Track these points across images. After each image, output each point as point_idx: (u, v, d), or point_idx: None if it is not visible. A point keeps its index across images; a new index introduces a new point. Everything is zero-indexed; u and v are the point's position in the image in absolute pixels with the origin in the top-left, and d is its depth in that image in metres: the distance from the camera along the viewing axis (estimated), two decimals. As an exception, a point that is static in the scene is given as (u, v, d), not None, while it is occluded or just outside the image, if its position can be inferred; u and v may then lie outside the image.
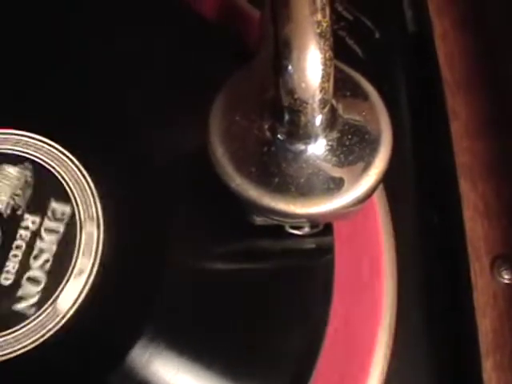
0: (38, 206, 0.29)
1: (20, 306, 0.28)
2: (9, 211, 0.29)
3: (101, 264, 0.28)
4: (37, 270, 0.28)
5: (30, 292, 0.28)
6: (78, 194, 0.30)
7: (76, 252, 0.29)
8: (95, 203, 0.29)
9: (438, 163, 0.36)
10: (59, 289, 0.28)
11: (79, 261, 0.29)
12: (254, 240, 0.29)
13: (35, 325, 0.28)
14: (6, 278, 0.28)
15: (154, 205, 0.30)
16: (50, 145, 0.31)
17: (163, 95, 0.32)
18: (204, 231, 0.29)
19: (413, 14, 0.41)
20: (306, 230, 0.28)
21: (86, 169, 0.30)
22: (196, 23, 0.34)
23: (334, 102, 0.25)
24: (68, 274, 0.28)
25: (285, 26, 0.23)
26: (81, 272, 0.28)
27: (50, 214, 0.29)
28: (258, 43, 0.30)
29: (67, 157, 0.30)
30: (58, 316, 0.28)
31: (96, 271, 0.28)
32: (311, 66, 0.23)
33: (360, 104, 0.27)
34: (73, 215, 0.29)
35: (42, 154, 0.30)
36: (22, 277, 0.28)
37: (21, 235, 0.29)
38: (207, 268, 0.29)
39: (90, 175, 0.30)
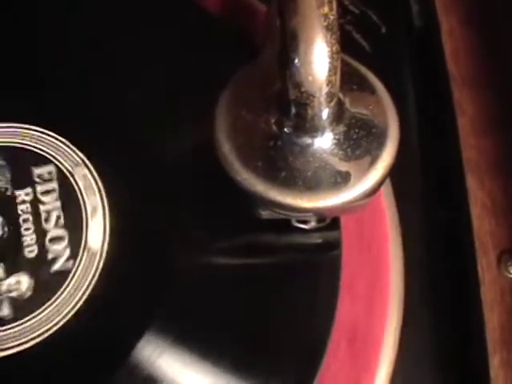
0: (23, 179, 0.30)
1: (57, 266, 0.28)
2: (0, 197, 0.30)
3: (107, 196, 0.29)
4: (54, 230, 0.29)
5: (60, 250, 0.29)
6: (54, 152, 0.30)
7: (80, 196, 0.29)
8: (74, 152, 0.30)
9: (444, 159, 0.36)
10: (84, 233, 0.29)
11: (87, 201, 0.29)
12: (260, 234, 0.29)
13: (78, 277, 0.28)
14: (31, 251, 0.29)
15: (162, 199, 0.30)
16: (5, 126, 0.31)
17: (168, 91, 0.32)
18: (210, 225, 0.29)
19: (419, 9, 0.41)
20: (313, 224, 0.28)
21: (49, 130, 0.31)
22: (201, 18, 0.34)
23: (340, 95, 0.25)
24: (84, 218, 0.29)
25: (292, 19, 0.23)
26: (94, 210, 0.29)
27: (37, 179, 0.30)
28: (264, 38, 0.30)
29: (26, 128, 0.31)
30: (95, 259, 0.28)
31: (107, 204, 0.29)
32: (318, 59, 0.23)
33: (367, 97, 0.27)
34: (59, 170, 0.30)
35: (2, 137, 0.31)
36: (45, 242, 0.29)
37: (22, 210, 0.29)
38: (214, 262, 0.29)
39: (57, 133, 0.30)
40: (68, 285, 0.28)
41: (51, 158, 0.30)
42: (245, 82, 0.27)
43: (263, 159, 0.26)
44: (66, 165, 0.30)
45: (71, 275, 0.28)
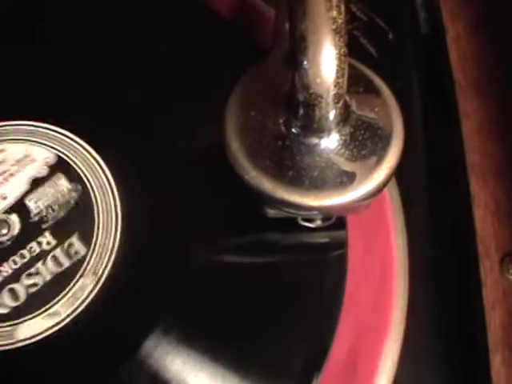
0: (61, 231, 0.29)
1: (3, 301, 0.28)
2: (37, 219, 0.30)
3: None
4: (22, 287, 0.29)
5: (5, 303, 0.28)
6: (100, 245, 0.29)
7: (62, 296, 0.28)
8: (109, 263, 0.29)
9: (449, 162, 0.37)
10: (26, 318, 0.28)
11: (57, 306, 0.28)
12: (266, 232, 0.29)
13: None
14: (4, 271, 0.29)
15: (171, 200, 0.30)
16: (110, 185, 0.30)
17: (179, 92, 0.32)
18: (217, 224, 0.30)
19: (426, 15, 0.42)
20: (319, 222, 0.29)
21: (122, 214, 0.30)
22: (211, 20, 0.35)
23: (347, 97, 0.26)
24: (42, 310, 0.28)
25: (301, 22, 0.24)
26: (53, 315, 0.28)
27: (66, 245, 0.29)
28: (273, 40, 0.30)
29: (114, 202, 0.30)
30: (12, 339, 0.28)
31: (71, 319, 0.28)
32: (326, 62, 0.24)
33: (373, 100, 0.28)
34: (83, 260, 0.29)
35: (96, 186, 0.30)
36: (6, 285, 0.29)
37: (31, 248, 0.29)
38: (220, 261, 0.29)
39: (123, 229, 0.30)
40: None
41: (91, 249, 0.29)
42: (254, 82, 0.28)
43: (271, 158, 0.26)
44: (90, 265, 0.29)
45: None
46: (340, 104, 0.25)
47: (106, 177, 0.30)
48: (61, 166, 0.30)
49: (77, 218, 0.30)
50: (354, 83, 0.27)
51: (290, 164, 0.26)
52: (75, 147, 0.31)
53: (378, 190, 0.26)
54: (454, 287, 0.34)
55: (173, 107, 0.32)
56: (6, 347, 0.28)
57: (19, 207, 0.30)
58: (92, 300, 0.28)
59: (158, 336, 0.27)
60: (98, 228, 0.30)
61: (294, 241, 0.29)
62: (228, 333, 0.28)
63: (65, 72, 0.33)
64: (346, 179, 0.26)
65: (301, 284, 0.29)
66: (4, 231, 0.29)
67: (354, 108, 0.27)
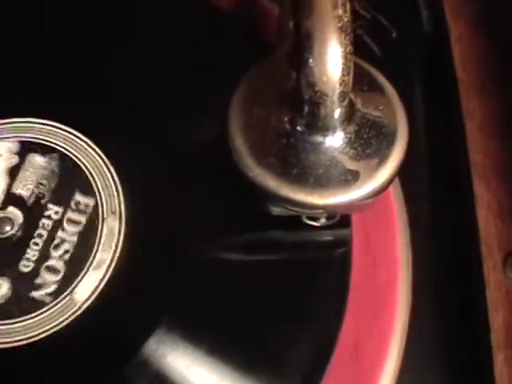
0: (62, 196, 0.30)
1: (37, 294, 0.28)
2: (33, 200, 0.30)
3: (120, 258, 0.29)
4: (56, 260, 0.29)
5: (48, 281, 0.28)
6: (103, 188, 0.30)
7: (96, 245, 0.29)
8: (119, 198, 0.30)
9: (452, 161, 0.37)
10: (77, 280, 0.28)
11: (99, 254, 0.29)
12: (270, 230, 0.29)
13: (51, 314, 0.28)
14: (26, 266, 0.29)
15: (174, 197, 0.30)
16: (77, 137, 0.31)
17: (182, 89, 0.32)
18: (221, 222, 0.30)
19: (428, 14, 0.42)
20: (323, 221, 0.29)
21: (112, 164, 0.30)
22: (214, 15, 0.34)
23: (352, 95, 0.26)
24: (87, 266, 0.29)
25: (306, 20, 0.24)
26: (99, 265, 0.29)
27: (73, 205, 0.30)
28: (277, 37, 0.30)
29: (94, 150, 0.31)
30: (74, 306, 0.28)
31: (114, 265, 0.29)
32: (332, 60, 0.24)
33: (377, 98, 0.28)
34: (96, 208, 0.30)
35: (69, 146, 0.31)
36: (41, 265, 0.29)
37: (43, 224, 0.29)
38: (224, 259, 0.29)
39: (116, 170, 0.30)
40: (35, 317, 0.28)
41: (97, 193, 0.30)
42: (258, 79, 0.28)
43: (276, 156, 0.26)
44: (105, 207, 0.30)
45: (43, 310, 0.28)
46: (345, 102, 0.25)
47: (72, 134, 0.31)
48: (28, 148, 0.31)
49: (69, 180, 0.30)
50: (359, 81, 0.27)
51: (295, 162, 0.26)
52: (33, 127, 0.31)
53: (383, 189, 0.26)
54: (457, 287, 0.34)
55: (175, 104, 0.32)
56: (76, 314, 0.28)
57: (11, 199, 0.30)
58: (125, 241, 0.29)
59: (161, 335, 0.27)
60: (92, 176, 0.30)
61: (298, 239, 0.29)
62: (232, 331, 0.28)
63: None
64: (351, 177, 0.26)
65: (305, 282, 0.29)
66: (8, 228, 0.29)
67: (359, 106, 0.27)
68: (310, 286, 0.29)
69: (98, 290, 0.28)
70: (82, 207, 0.30)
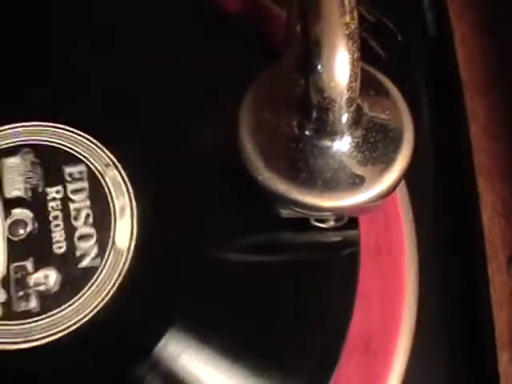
0: (54, 177, 0.31)
1: (85, 263, 0.29)
2: (30, 194, 0.30)
3: (136, 200, 0.30)
4: (83, 228, 0.30)
5: (88, 247, 0.29)
6: (85, 152, 0.31)
7: (109, 196, 0.30)
8: (105, 153, 0.31)
9: (457, 163, 0.37)
10: (111, 232, 0.29)
11: (116, 201, 0.30)
12: (279, 232, 0.30)
13: (105, 275, 0.29)
14: (59, 247, 0.29)
15: (183, 199, 0.30)
16: (42, 125, 0.32)
17: (191, 92, 0.33)
18: (232, 224, 0.30)
19: (433, 16, 0.42)
20: (331, 223, 0.29)
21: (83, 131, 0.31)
22: (222, 21, 0.35)
23: (359, 100, 0.26)
24: (113, 217, 0.30)
25: (315, 27, 0.25)
26: (123, 210, 0.30)
27: (68, 178, 0.30)
28: (285, 42, 0.31)
29: (59, 128, 0.32)
30: (122, 256, 0.29)
31: (136, 207, 0.30)
32: (340, 66, 0.24)
33: (383, 103, 0.28)
34: (89, 170, 0.31)
35: (36, 136, 0.32)
36: (73, 239, 0.29)
37: (52, 207, 0.30)
38: (234, 261, 0.30)
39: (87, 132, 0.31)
40: (95, 281, 0.29)
41: (82, 158, 0.31)
42: (267, 84, 0.29)
43: (285, 160, 0.27)
44: (97, 165, 0.31)
45: (98, 272, 0.29)
46: (353, 107, 0.26)
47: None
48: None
49: (51, 161, 0.31)
50: (366, 86, 0.27)
51: (303, 166, 0.26)
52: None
53: (390, 191, 0.27)
54: (462, 287, 0.34)
55: (185, 106, 0.32)
56: (126, 266, 0.29)
57: (11, 204, 0.30)
58: (133, 188, 0.30)
59: (173, 335, 0.28)
60: (72, 148, 0.31)
61: (306, 240, 0.30)
62: (244, 331, 0.28)
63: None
64: (358, 181, 0.27)
65: (314, 282, 0.29)
66: (21, 230, 0.30)
67: (366, 110, 0.27)
68: (320, 286, 0.29)
69: (135, 233, 0.29)
70: (76, 175, 0.31)
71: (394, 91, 0.29)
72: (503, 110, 0.38)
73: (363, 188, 0.26)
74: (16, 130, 0.32)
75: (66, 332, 0.28)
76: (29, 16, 0.35)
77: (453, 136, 0.38)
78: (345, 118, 0.26)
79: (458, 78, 0.38)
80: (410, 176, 0.29)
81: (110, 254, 0.29)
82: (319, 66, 0.24)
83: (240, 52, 0.34)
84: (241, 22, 0.35)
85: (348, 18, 0.25)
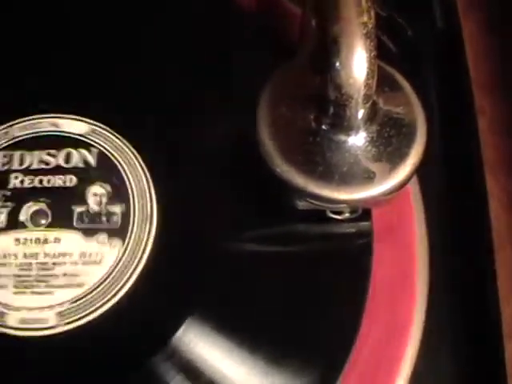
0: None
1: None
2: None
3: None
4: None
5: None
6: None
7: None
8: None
9: (465, 157, 0.38)
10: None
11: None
12: (296, 223, 0.30)
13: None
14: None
15: (202, 188, 0.31)
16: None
17: (207, 91, 0.33)
18: (250, 215, 0.31)
19: (441, 12, 0.43)
20: (346, 215, 0.30)
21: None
22: (236, 16, 0.35)
23: (375, 97, 0.27)
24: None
25: (334, 27, 0.25)
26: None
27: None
28: (300, 39, 0.31)
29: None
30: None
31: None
32: (358, 64, 0.25)
33: (397, 98, 0.29)
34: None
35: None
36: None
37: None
38: (252, 251, 0.30)
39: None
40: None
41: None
42: (284, 80, 0.29)
43: (302, 154, 0.28)
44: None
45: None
46: (368, 104, 0.27)
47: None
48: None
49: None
50: (381, 82, 0.28)
51: (321, 160, 0.27)
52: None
53: (403, 184, 0.28)
54: (469, 279, 0.35)
55: (204, 104, 0.33)
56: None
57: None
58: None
59: (191, 325, 0.28)
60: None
61: (323, 231, 0.31)
62: (261, 322, 0.29)
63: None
64: (373, 175, 0.27)
65: (330, 272, 0.30)
66: (43, 220, 0.30)
67: (381, 106, 0.28)
68: (335, 276, 0.30)
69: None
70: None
71: (407, 87, 0.30)
72: (507, 107, 0.38)
73: (377, 182, 0.27)
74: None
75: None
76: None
77: (461, 131, 0.38)
78: (361, 113, 0.27)
79: (467, 73, 0.39)
80: (420, 170, 0.30)
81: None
82: (337, 64, 0.25)
83: (255, 48, 0.34)
84: (256, 18, 0.36)
85: (365, 18, 0.25)
